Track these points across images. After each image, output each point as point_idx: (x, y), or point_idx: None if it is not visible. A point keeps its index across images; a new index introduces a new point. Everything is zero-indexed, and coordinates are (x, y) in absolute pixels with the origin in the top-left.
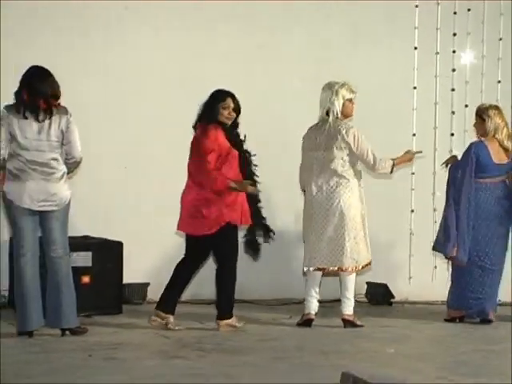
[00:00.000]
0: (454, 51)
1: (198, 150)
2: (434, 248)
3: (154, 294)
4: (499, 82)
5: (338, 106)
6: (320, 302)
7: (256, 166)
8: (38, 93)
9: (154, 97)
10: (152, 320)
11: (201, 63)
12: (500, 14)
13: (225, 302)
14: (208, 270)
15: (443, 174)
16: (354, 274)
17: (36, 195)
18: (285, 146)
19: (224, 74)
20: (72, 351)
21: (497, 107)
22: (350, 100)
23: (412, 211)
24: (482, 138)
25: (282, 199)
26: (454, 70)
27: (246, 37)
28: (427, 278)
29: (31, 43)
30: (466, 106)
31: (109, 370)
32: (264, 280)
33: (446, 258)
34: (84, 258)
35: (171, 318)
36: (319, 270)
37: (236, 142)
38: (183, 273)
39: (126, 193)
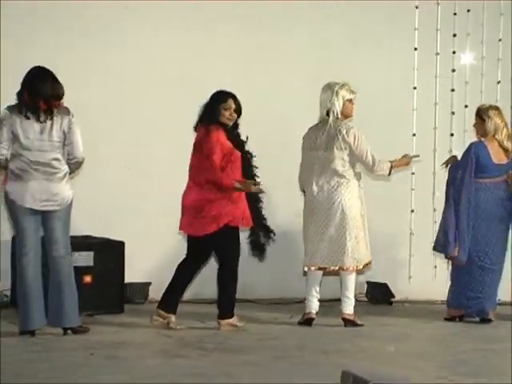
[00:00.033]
0: (453, 52)
1: (201, 152)
2: (435, 248)
3: (156, 293)
4: (499, 82)
5: (338, 106)
6: (320, 301)
7: (256, 167)
8: (38, 93)
9: (154, 97)
10: (154, 319)
11: (201, 63)
12: (500, 15)
13: (226, 301)
14: (210, 269)
15: (443, 174)
16: (355, 274)
17: (38, 195)
18: (285, 146)
19: (224, 74)
20: (74, 350)
21: (497, 108)
22: (350, 100)
23: (412, 211)
24: (482, 139)
25: (282, 199)
26: (453, 71)
27: (246, 37)
28: (427, 278)
29: (31, 43)
30: (466, 106)
31: (110, 369)
32: (265, 279)
33: (446, 257)
34: (86, 258)
35: (173, 318)
36: (320, 269)
37: (238, 142)
38: (185, 273)
39: (128, 193)
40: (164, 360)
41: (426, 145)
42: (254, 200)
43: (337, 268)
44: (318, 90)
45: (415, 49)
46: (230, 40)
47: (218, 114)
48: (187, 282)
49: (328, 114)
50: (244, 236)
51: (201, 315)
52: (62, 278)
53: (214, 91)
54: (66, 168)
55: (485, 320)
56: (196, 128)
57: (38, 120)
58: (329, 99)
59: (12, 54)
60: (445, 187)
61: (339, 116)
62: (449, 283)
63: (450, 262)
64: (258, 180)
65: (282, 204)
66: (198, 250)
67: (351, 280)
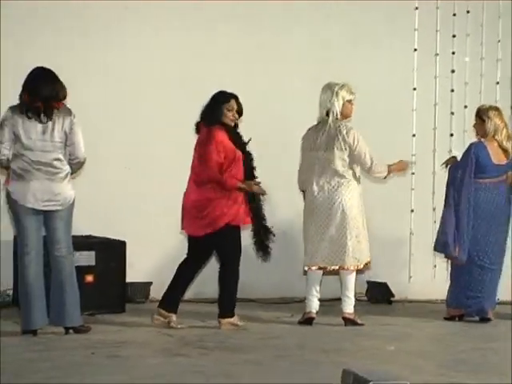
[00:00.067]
0: (453, 52)
1: (205, 152)
2: (435, 249)
3: (157, 292)
4: (498, 83)
5: (337, 106)
6: (321, 300)
7: (255, 168)
8: (38, 94)
9: (154, 97)
10: (155, 318)
11: (201, 63)
12: (499, 16)
13: (227, 300)
14: (211, 268)
15: (443, 175)
16: (355, 273)
17: (40, 195)
18: (285, 146)
19: (224, 74)
20: (75, 349)
21: (497, 108)
22: (350, 101)
23: (412, 211)
24: (482, 139)
25: (282, 199)
26: (453, 71)
27: (246, 37)
28: (427, 277)
29: (31, 43)
30: (466, 106)
31: (112, 368)
32: (265, 279)
33: (446, 257)
34: (87, 258)
35: (174, 317)
36: (320, 268)
37: (239, 143)
38: (185, 273)
39: (129, 193)
40: (165, 359)
41: (425, 145)
42: (254, 200)
43: (337, 268)
44: (317, 90)
45: (415, 50)
46: (230, 40)
47: (220, 114)
48: (188, 281)
49: (328, 115)
50: (246, 237)
51: (202, 314)
52: (64, 278)
53: (214, 91)
54: (67, 168)
55: (484, 319)
56: (197, 129)
57: (38, 121)
58: (328, 99)
59: (12, 53)
60: (445, 187)
61: (339, 116)
62: (448, 283)
63: (450, 261)
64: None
65: (282, 204)
66: (198, 250)
67: (351, 279)
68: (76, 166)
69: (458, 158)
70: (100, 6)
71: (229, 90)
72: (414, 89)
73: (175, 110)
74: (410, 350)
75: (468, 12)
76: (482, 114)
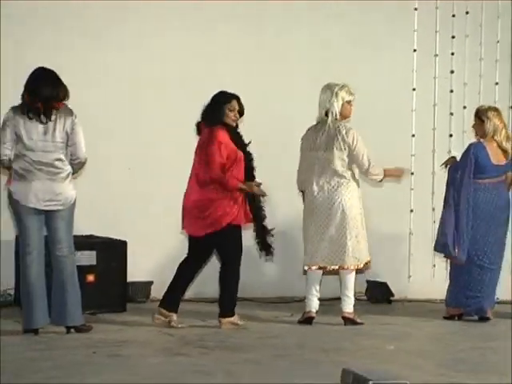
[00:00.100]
0: (452, 53)
1: (207, 152)
2: (435, 249)
3: (158, 292)
4: (497, 83)
5: (337, 107)
6: (320, 300)
7: (254, 168)
8: (37, 95)
9: (154, 97)
10: (155, 318)
11: (201, 63)
12: (497, 17)
13: (227, 300)
14: (211, 268)
15: (442, 175)
16: (354, 273)
17: (42, 195)
18: (285, 146)
19: (224, 74)
20: (76, 348)
21: (496, 109)
22: (349, 102)
23: (411, 211)
24: (481, 139)
25: (282, 199)
26: (452, 72)
27: (246, 37)
28: (426, 277)
29: (31, 43)
30: (465, 107)
31: (113, 367)
32: (265, 278)
33: (445, 256)
34: (88, 257)
35: (174, 316)
36: (320, 268)
37: (240, 143)
38: (186, 272)
39: (130, 193)
40: (166, 358)
41: (425, 145)
42: (255, 200)
43: (337, 267)
44: (318, 90)
45: (414, 50)
46: (230, 40)
47: (222, 114)
48: (188, 280)
49: (327, 115)
50: (249, 237)
51: (202, 314)
52: (65, 277)
53: (214, 91)
54: (69, 168)
55: (483, 318)
56: (198, 129)
57: (39, 121)
58: (328, 100)
59: (12, 53)
60: (444, 187)
61: (338, 117)
62: (447, 282)
63: (449, 261)
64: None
65: (282, 204)
66: (199, 249)
67: (351, 279)
68: (77, 166)
69: (458, 159)
70: (100, 6)
71: (229, 90)
72: (414, 89)
73: (175, 110)
74: (409, 349)
75: (467, 13)
76: (481, 115)
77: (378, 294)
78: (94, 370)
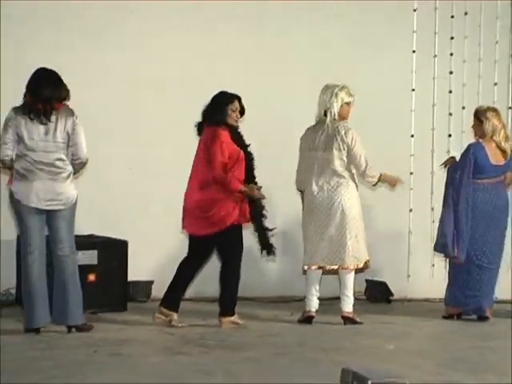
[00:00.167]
0: (451, 54)
1: (209, 152)
2: (435, 249)
3: (158, 291)
4: (496, 84)
5: (335, 107)
6: (320, 299)
7: (255, 169)
8: (38, 95)
9: (154, 97)
10: (156, 317)
11: (201, 63)
12: (496, 18)
13: (228, 299)
14: (212, 267)
15: (441, 174)
16: (353, 272)
17: (43, 195)
18: (285, 146)
19: (224, 74)
20: (77, 348)
21: (495, 109)
22: (348, 103)
23: (410, 210)
24: (480, 140)
25: (282, 199)
26: (451, 73)
27: (246, 37)
28: (425, 276)
29: (31, 43)
30: (463, 107)
31: (114, 366)
32: (265, 278)
33: (445, 256)
34: (90, 257)
35: (175, 315)
36: (320, 268)
37: (241, 143)
38: (186, 271)
39: (130, 193)
40: (166, 357)
41: (424, 145)
42: (256, 201)
43: (337, 267)
44: (318, 90)
45: (413, 51)
46: (230, 40)
47: (225, 115)
48: (189, 280)
49: (325, 115)
50: (250, 236)
51: (202, 313)
52: (67, 277)
53: (214, 91)
54: (70, 168)
55: (482, 318)
56: (199, 130)
57: (40, 122)
58: (327, 100)
59: (12, 53)
60: (443, 187)
61: (336, 117)
62: (447, 281)
63: (448, 260)
64: (257, 183)
65: (282, 204)
66: (199, 249)
67: (350, 279)
68: (78, 166)
69: (457, 159)
70: (100, 6)
71: (229, 90)
72: (413, 90)
73: (175, 110)
74: (408, 348)
75: (466, 14)
76: (480, 115)
77: (377, 294)
78: (95, 369)
